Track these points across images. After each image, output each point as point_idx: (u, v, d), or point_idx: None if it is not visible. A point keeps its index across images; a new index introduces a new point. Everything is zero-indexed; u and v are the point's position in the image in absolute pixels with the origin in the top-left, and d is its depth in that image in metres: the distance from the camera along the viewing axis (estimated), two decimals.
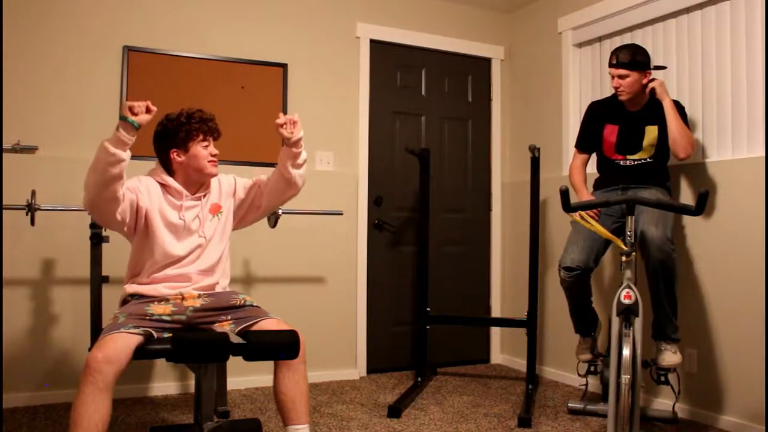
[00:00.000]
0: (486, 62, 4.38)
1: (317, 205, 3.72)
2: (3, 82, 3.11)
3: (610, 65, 2.91)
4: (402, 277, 4.10)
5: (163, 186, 2.32)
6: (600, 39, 3.70)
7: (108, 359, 1.93)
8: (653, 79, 2.91)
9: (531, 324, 3.49)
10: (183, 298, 2.26)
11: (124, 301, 2.31)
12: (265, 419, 2.96)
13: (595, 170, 3.19)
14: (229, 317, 2.28)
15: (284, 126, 2.35)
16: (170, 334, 2.14)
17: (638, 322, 2.45)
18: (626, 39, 3.49)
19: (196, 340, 2.08)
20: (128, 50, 3.40)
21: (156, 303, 2.23)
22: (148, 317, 2.15)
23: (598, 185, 3.13)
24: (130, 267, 2.35)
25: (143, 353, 2.05)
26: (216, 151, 2.36)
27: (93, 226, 2.70)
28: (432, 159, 3.86)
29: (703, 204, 2.41)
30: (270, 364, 2.19)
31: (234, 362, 2.31)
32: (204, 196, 2.38)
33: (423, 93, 4.21)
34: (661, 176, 2.99)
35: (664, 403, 3.13)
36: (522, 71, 4.30)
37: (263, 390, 3.50)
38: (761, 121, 2.85)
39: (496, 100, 4.38)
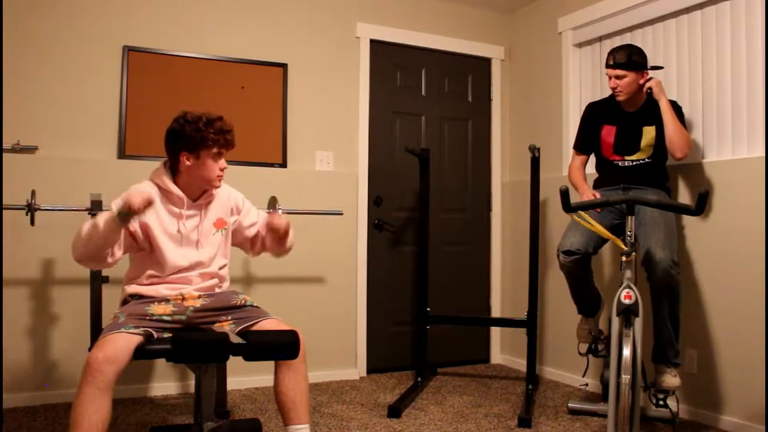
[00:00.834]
0: (486, 62, 4.38)
1: (317, 205, 3.72)
2: (3, 82, 3.11)
3: (607, 66, 2.90)
4: (402, 277, 4.10)
5: (164, 192, 2.30)
6: (600, 39, 3.70)
7: (108, 359, 1.93)
8: (650, 79, 2.91)
9: (531, 324, 3.49)
10: (183, 299, 2.27)
11: (125, 301, 2.31)
12: (265, 419, 2.96)
13: (594, 171, 3.19)
14: (229, 317, 2.28)
15: (278, 229, 2.40)
16: (170, 334, 2.15)
17: (638, 322, 2.44)
18: (626, 39, 3.49)
19: (196, 340, 2.09)
20: (128, 50, 3.39)
21: (156, 303, 2.23)
22: (148, 317, 2.15)
23: (597, 186, 3.12)
24: (130, 273, 2.35)
25: (143, 353, 2.06)
26: (225, 165, 2.32)
27: None
28: (432, 159, 3.86)
29: (703, 204, 2.41)
30: (270, 364, 2.20)
31: (234, 362, 2.31)
32: (206, 204, 2.37)
33: (423, 93, 4.20)
34: (660, 177, 2.99)
35: None
36: (522, 71, 4.30)
37: (263, 390, 3.50)
38: (761, 121, 2.85)
39: (496, 100, 4.38)
